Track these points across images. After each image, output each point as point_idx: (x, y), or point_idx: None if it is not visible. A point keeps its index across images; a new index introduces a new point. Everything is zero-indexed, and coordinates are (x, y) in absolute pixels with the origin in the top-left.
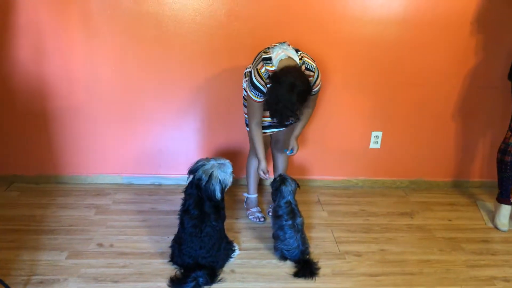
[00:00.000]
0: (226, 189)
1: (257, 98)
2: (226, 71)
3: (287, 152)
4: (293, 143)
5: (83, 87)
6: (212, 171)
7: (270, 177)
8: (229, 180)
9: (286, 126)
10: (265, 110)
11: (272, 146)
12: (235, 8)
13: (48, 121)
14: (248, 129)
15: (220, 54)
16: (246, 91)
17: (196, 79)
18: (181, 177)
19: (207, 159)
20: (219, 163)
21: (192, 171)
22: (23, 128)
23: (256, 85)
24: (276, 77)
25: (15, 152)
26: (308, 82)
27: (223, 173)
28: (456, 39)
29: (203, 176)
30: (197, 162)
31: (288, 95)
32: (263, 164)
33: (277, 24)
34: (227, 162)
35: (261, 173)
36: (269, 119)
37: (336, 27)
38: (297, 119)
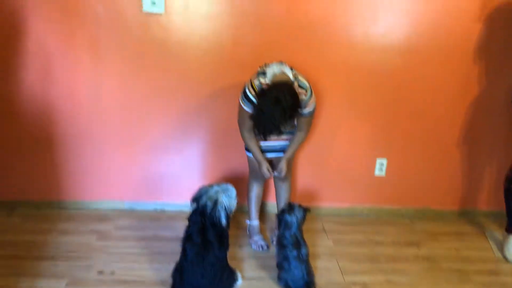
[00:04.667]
0: (231, 214)
1: (248, 109)
2: (229, 96)
3: (274, 173)
4: (281, 165)
5: (87, 112)
6: (217, 197)
7: (274, 174)
8: (233, 204)
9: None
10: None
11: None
12: (240, 34)
13: (51, 145)
14: (242, 137)
15: (225, 79)
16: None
17: (200, 104)
18: (184, 203)
19: (210, 186)
20: (222, 189)
21: (195, 199)
22: (26, 153)
23: (248, 96)
24: (262, 91)
25: (18, 177)
26: (297, 97)
27: (228, 198)
28: (459, 67)
29: (208, 202)
30: (200, 189)
31: (272, 108)
32: (264, 164)
33: (280, 49)
34: (230, 186)
35: (265, 172)
36: (270, 143)
37: (339, 54)
38: (280, 132)
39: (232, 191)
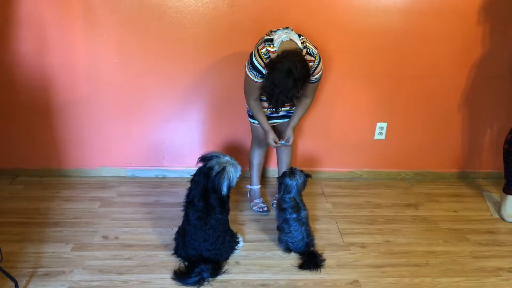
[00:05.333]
0: (232, 187)
1: (255, 78)
2: (228, 62)
3: (282, 142)
4: (289, 133)
5: (86, 80)
6: (226, 166)
7: (281, 143)
8: (235, 181)
9: (281, 114)
10: (261, 94)
11: None
12: None
13: (51, 114)
14: (247, 105)
15: (222, 45)
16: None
17: (199, 70)
18: (185, 170)
19: (222, 154)
20: (233, 163)
21: (205, 158)
22: (27, 122)
23: (255, 65)
24: (273, 63)
25: (19, 145)
26: (307, 66)
27: (234, 172)
28: (462, 29)
29: (216, 166)
30: (212, 152)
31: (285, 81)
32: (270, 134)
33: (280, 13)
34: (238, 165)
35: (272, 143)
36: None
37: (341, 16)
38: (293, 105)
39: (239, 170)
